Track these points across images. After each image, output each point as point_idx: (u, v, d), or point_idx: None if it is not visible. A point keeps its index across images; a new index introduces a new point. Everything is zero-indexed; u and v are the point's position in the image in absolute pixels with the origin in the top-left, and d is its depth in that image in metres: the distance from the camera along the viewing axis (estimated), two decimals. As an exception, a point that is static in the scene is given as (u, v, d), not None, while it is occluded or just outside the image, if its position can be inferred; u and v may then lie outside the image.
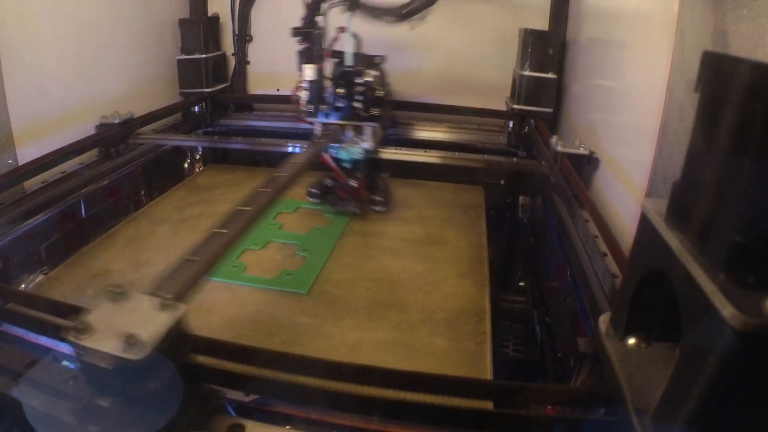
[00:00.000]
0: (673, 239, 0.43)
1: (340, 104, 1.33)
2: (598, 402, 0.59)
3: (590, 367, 0.79)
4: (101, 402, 0.50)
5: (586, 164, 1.27)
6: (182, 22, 1.81)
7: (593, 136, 1.32)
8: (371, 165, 1.42)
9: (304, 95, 1.34)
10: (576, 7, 1.66)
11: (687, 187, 0.43)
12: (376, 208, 1.42)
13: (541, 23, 1.72)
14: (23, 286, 1.11)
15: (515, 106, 1.65)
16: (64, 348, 0.63)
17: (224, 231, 0.74)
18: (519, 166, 1.57)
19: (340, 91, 1.32)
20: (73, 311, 0.53)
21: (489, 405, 0.65)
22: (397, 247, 1.25)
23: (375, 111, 1.34)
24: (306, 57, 1.32)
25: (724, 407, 0.39)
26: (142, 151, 1.56)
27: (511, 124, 1.71)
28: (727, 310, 0.35)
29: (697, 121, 0.42)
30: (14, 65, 1.19)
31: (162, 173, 1.64)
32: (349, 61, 1.33)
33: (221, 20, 1.92)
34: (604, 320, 0.58)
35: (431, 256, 1.21)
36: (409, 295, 1.06)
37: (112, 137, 1.45)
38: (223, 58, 1.95)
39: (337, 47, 1.33)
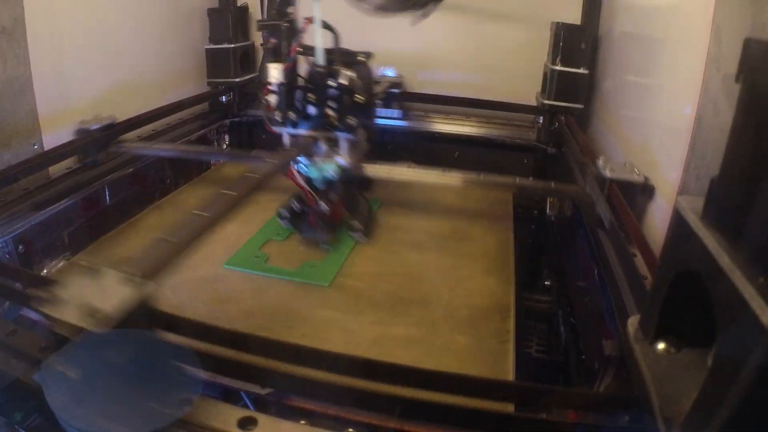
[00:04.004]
0: (709, 238, 0.40)
1: (310, 111, 1.11)
2: (623, 408, 0.57)
3: (615, 371, 0.77)
4: (116, 388, 0.50)
5: (639, 193, 1.05)
6: (211, 12, 1.80)
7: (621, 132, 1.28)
8: (352, 184, 1.22)
9: (272, 99, 1.12)
10: (610, 0, 1.62)
11: (726, 183, 0.41)
12: (354, 235, 1.19)
13: (573, 17, 1.68)
14: (45, 271, 1.11)
15: (545, 101, 1.62)
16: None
17: (204, 214, 0.76)
18: (558, 192, 1.31)
19: (311, 95, 1.10)
20: (50, 284, 0.52)
21: (510, 407, 0.63)
22: (422, 241, 1.23)
23: (351, 120, 1.10)
24: (274, 55, 1.10)
25: (760, 420, 0.36)
26: (169, 139, 1.56)
27: (541, 119, 1.68)
28: (766, 315, 0.33)
29: (738, 112, 0.40)
30: (41, 52, 1.19)
31: (187, 162, 1.64)
32: (320, 59, 1.10)
33: (250, 10, 1.91)
34: (632, 323, 0.56)
35: (457, 251, 1.19)
36: (433, 290, 1.04)
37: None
38: (252, 47, 1.94)
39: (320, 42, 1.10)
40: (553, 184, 1.24)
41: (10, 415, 0.67)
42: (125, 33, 1.50)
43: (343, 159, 1.15)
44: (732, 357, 0.37)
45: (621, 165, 1.08)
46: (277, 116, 1.11)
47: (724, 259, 0.38)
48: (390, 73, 1.83)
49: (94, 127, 1.27)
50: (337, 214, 1.18)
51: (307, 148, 1.12)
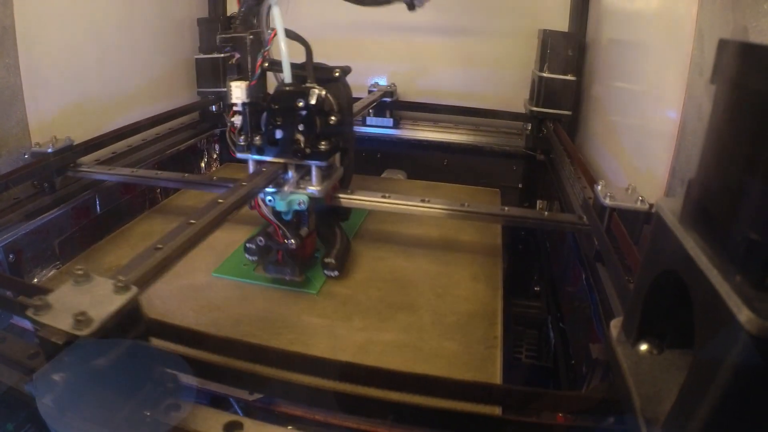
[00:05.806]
0: (687, 239, 0.41)
1: (277, 135, 0.99)
2: (608, 410, 0.57)
3: (602, 374, 0.77)
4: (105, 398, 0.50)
5: (643, 222, 0.92)
6: (201, 21, 1.81)
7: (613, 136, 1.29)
8: (326, 215, 1.12)
9: (237, 121, 1.00)
10: (597, 7, 1.64)
11: (702, 184, 0.41)
12: (325, 271, 1.08)
13: (561, 24, 1.70)
14: (35, 280, 1.11)
15: (533, 109, 1.63)
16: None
17: (194, 222, 0.76)
18: (551, 223, 1.12)
19: (277, 118, 0.97)
20: (41, 292, 0.53)
21: (497, 410, 0.63)
22: (410, 247, 1.23)
23: (323, 146, 0.98)
24: (239, 71, 1.01)
25: (739, 418, 0.36)
26: (159, 149, 1.56)
27: (529, 126, 1.69)
28: (743, 313, 0.33)
29: (713, 114, 0.40)
30: (31, 62, 1.20)
31: (177, 171, 1.63)
32: (287, 76, 0.99)
33: (240, 19, 1.92)
34: (615, 325, 0.56)
35: (445, 258, 1.19)
36: (421, 297, 1.04)
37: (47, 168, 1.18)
38: (242, 57, 1.95)
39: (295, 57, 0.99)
40: (546, 214, 1.12)
41: (2, 425, 0.67)
42: (116, 42, 1.50)
43: (314, 188, 1.03)
44: (710, 356, 0.37)
45: (623, 191, 0.98)
46: (242, 140, 1.01)
47: (702, 259, 0.38)
48: (382, 81, 1.85)
49: (49, 150, 1.18)
50: (308, 251, 1.08)
51: (272, 177, 1.00)
